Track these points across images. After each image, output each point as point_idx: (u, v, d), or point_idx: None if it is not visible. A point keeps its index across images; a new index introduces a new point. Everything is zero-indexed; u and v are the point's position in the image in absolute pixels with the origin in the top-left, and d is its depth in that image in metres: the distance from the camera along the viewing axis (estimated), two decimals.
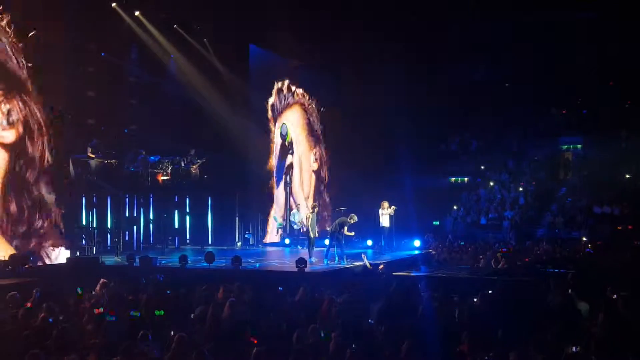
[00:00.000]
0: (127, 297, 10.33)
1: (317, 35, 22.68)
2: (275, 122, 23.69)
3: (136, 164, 19.22)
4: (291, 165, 24.59)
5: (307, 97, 25.95)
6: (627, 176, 27.43)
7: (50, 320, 8.45)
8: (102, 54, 18.58)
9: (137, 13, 19.29)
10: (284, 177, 23.99)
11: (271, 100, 23.54)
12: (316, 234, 17.22)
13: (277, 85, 23.96)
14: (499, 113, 30.95)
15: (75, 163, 17.01)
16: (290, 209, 23.29)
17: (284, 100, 24.38)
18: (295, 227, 18.33)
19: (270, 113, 23.44)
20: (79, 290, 10.81)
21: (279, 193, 23.74)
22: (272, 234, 22.97)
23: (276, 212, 23.29)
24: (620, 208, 25.27)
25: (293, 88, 24.88)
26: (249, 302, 9.96)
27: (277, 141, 23.86)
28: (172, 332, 8.02)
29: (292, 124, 24.79)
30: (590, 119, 30.69)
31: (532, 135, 31.95)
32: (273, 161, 23.50)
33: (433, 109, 29.73)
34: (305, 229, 18.47)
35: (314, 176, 26.29)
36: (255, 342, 7.49)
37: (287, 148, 24.40)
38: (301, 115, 25.76)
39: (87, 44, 18.29)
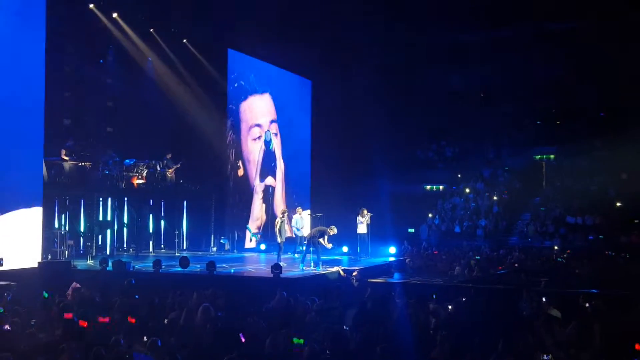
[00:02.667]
0: (99, 302, 10.19)
1: (294, 40, 22.64)
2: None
3: (110, 166, 19.00)
4: (272, 185, 24.31)
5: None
6: (599, 187, 27.78)
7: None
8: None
9: (114, 15, 19.13)
10: (262, 192, 23.72)
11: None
12: (284, 239, 17.17)
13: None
14: (475, 122, 31.19)
15: (49, 165, 16.74)
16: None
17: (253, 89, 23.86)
18: (299, 233, 18.14)
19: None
20: (45, 294, 10.61)
21: (255, 205, 23.46)
22: (247, 240, 22.78)
23: (250, 223, 23.08)
24: (592, 218, 25.61)
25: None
26: (222, 308, 9.89)
27: (260, 147, 23.58)
28: (144, 338, 7.91)
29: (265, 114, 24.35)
30: (563, 130, 31.10)
31: (508, 145, 32.26)
32: (252, 169, 23.28)
33: (410, 116, 29.93)
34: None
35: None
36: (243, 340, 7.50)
37: (270, 159, 24.14)
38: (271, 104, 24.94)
39: (64, 44, 18.08)
